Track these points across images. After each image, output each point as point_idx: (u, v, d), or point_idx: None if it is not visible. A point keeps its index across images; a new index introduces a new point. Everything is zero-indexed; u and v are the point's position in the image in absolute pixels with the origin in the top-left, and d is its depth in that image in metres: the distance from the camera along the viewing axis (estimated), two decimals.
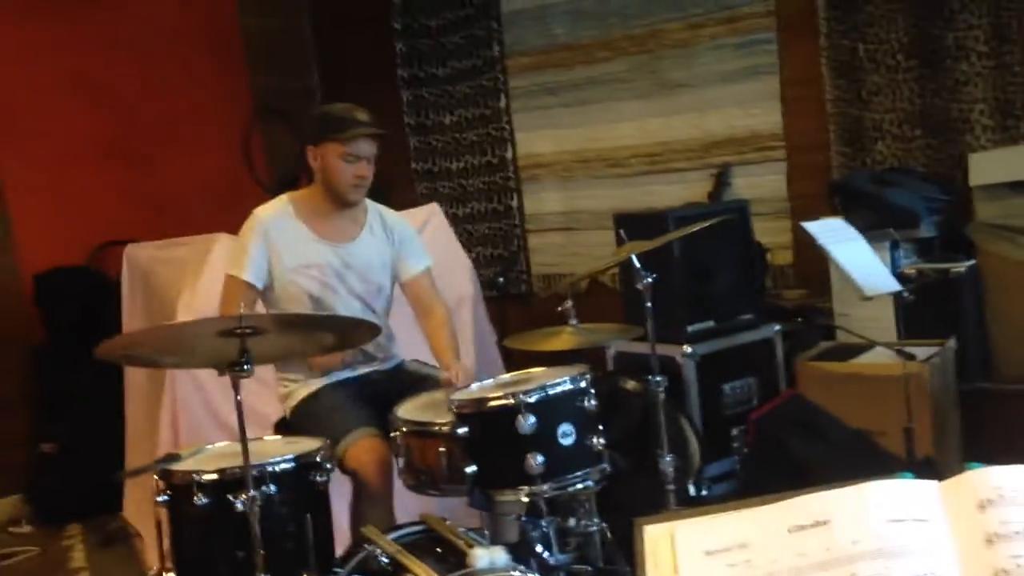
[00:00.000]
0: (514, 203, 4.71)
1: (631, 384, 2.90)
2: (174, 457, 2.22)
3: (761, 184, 3.94)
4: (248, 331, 1.94)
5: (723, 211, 3.33)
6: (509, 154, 4.67)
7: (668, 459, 2.46)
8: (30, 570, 3.48)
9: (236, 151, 4.92)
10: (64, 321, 4.14)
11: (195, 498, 2.05)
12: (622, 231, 2.76)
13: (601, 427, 2.11)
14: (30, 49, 4.23)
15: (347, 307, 2.63)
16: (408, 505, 2.53)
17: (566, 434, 2.03)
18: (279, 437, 2.44)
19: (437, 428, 2.14)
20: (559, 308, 2.36)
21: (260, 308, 2.64)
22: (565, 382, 2.10)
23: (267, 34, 5.10)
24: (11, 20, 4.17)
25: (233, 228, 3.30)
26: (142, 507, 3.47)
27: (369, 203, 2.75)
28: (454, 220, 3.93)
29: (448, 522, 2.09)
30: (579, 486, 2.05)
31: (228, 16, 4.96)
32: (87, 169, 4.41)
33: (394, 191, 3.71)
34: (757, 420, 2.87)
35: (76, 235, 4.29)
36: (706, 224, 2.64)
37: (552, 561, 2.06)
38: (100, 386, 3.83)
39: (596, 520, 2.15)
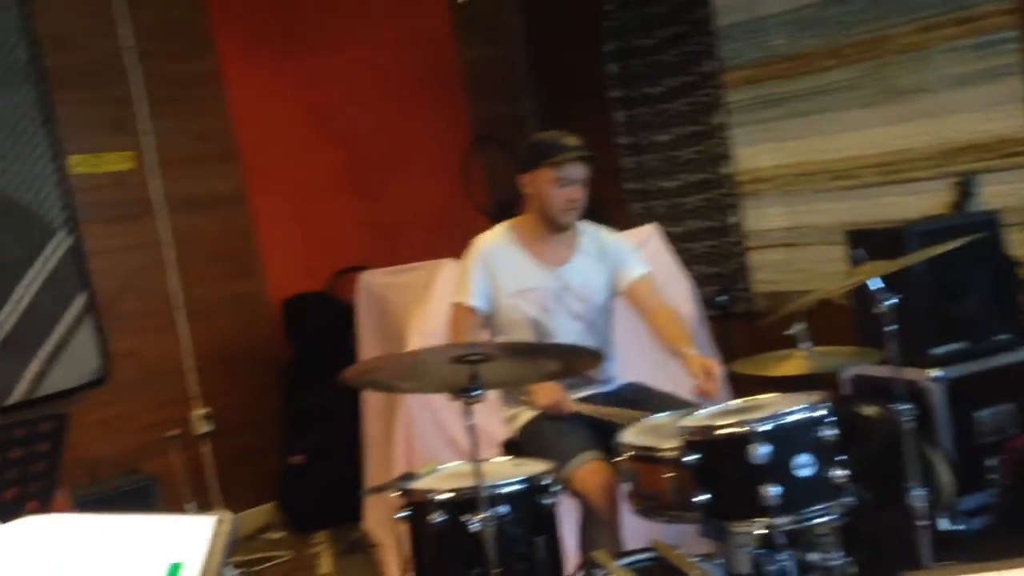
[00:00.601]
0: (733, 220, 4.59)
1: (871, 411, 2.74)
2: (411, 476, 2.34)
3: (1011, 192, 3.61)
4: (478, 358, 2.01)
5: (971, 224, 3.09)
6: (727, 170, 4.57)
7: (918, 492, 2.31)
8: (285, 573, 3.75)
9: (457, 178, 5.13)
10: (308, 343, 4.46)
11: (431, 516, 2.14)
12: (859, 250, 2.62)
13: (843, 458, 2.01)
14: (274, 89, 4.60)
15: (567, 329, 2.67)
16: (634, 528, 2.53)
17: (803, 465, 1.95)
18: (508, 458, 2.51)
19: (663, 454, 2.12)
20: (788, 331, 2.27)
21: (484, 333, 2.74)
22: (801, 410, 2.02)
23: (484, 64, 5.29)
24: (258, 64, 4.56)
25: (456, 253, 3.44)
26: (381, 519, 3.66)
27: (583, 224, 2.79)
28: (671, 239, 3.87)
29: (679, 551, 2.06)
30: (820, 520, 1.96)
31: (447, 50, 5.19)
32: (326, 200, 4.73)
33: (607, 212, 3.72)
34: (1018, 450, 2.63)
35: (317, 262, 4.61)
36: (959, 243, 2.47)
37: None
38: (342, 403, 4.09)
39: (840, 554, 2.05)
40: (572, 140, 2.65)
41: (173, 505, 3.89)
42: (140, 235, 4.19)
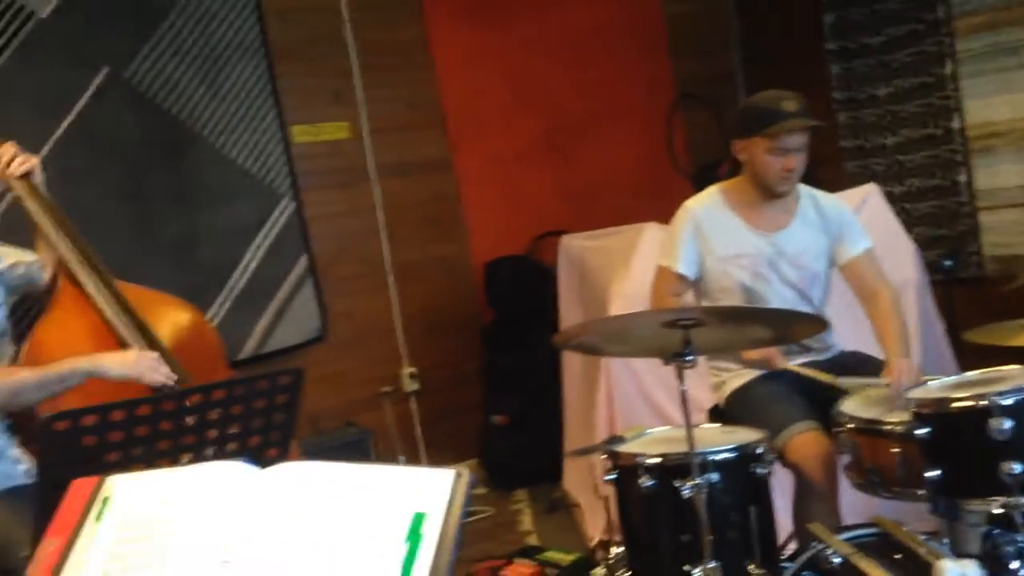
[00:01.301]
0: (962, 178, 4.26)
1: None
2: (619, 439, 2.34)
3: None
4: (690, 323, 1.98)
5: None
6: (956, 124, 4.24)
7: None
8: (487, 528, 3.87)
9: (659, 140, 5.04)
10: (509, 305, 4.56)
11: (640, 480, 2.14)
12: None
13: None
14: (479, 55, 4.68)
15: (780, 296, 2.58)
16: (849, 503, 2.43)
17: None
18: (717, 425, 2.46)
19: (890, 428, 2.01)
20: None
21: (688, 299, 2.69)
22: None
23: (690, 19, 5.15)
24: (460, 30, 4.65)
25: (656, 217, 3.39)
26: (581, 480, 3.71)
27: (802, 188, 2.66)
28: (890, 199, 3.64)
29: (905, 528, 1.95)
30: None
31: (652, 6, 5.08)
32: (527, 164, 4.78)
33: (821, 171, 3.54)
34: None
35: (518, 227, 4.68)
36: None
37: None
38: (542, 365, 4.16)
39: None
40: (791, 105, 2.49)
41: (386, 457, 4.10)
42: (354, 201, 4.40)
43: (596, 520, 3.43)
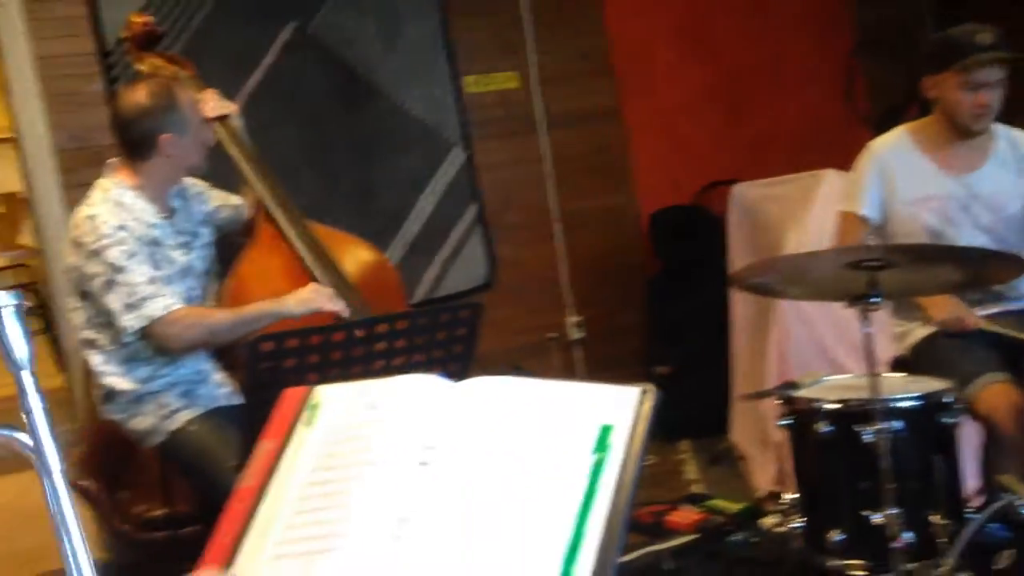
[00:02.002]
0: None
1: None
2: (793, 385, 2.31)
3: None
4: (877, 263, 1.92)
5: None
6: None
7: None
8: (651, 476, 3.87)
9: (838, 87, 4.83)
10: (676, 255, 4.52)
11: (817, 425, 2.11)
12: None
13: None
14: (647, 4, 4.62)
15: (971, 241, 2.46)
16: None
17: None
18: (901, 374, 2.38)
19: None
20: None
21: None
22: None
23: None
24: None
25: (836, 164, 3.27)
26: (748, 431, 3.67)
27: (998, 127, 2.52)
28: None
29: None
30: None
31: None
32: (697, 113, 4.69)
33: (1018, 113, 3.31)
34: None
35: (687, 176, 4.62)
36: None
37: None
38: (707, 316, 4.12)
39: None
40: (987, 37, 2.36)
41: None
42: (523, 150, 4.45)
43: (764, 471, 3.39)
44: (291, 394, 1.47)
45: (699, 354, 4.26)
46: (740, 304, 3.81)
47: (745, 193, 3.87)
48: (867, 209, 2.51)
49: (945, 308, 2.38)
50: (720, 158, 4.65)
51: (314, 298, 2.39)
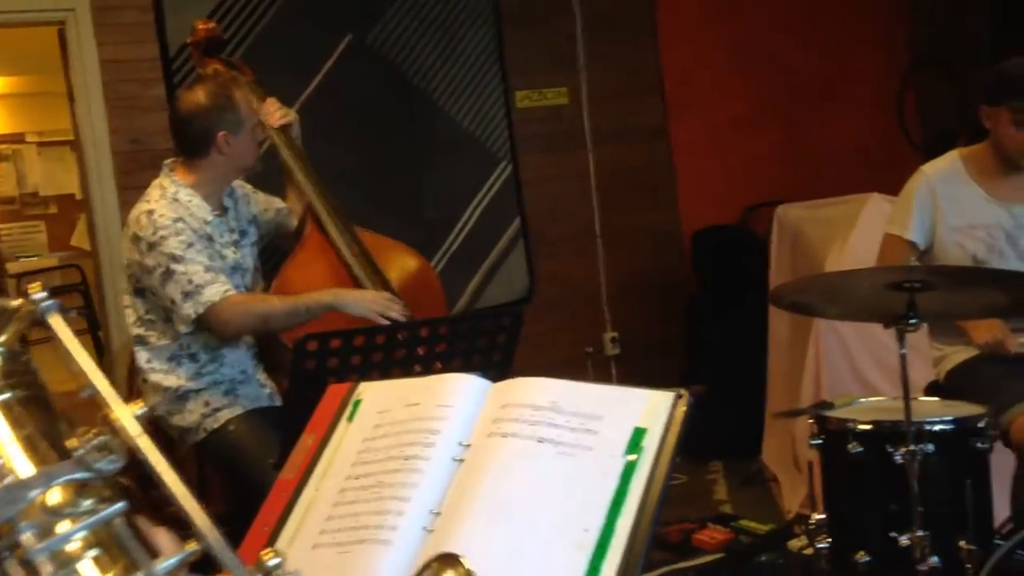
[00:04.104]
0: None
1: None
2: (827, 405, 2.32)
3: None
4: (917, 285, 1.93)
5: None
6: None
7: None
8: (681, 494, 3.89)
9: (890, 108, 4.81)
10: (716, 275, 4.53)
11: (849, 446, 2.12)
12: None
13: None
14: (704, 21, 4.65)
15: (1018, 270, 2.45)
16: None
17: None
18: (936, 398, 2.39)
19: None
20: None
21: None
22: None
23: None
24: None
25: (883, 188, 3.27)
26: (780, 453, 3.67)
27: None
28: None
29: None
30: None
31: None
32: (745, 133, 4.71)
33: None
34: None
35: (731, 196, 4.63)
36: None
37: None
38: (745, 336, 4.12)
39: None
40: None
41: None
42: (569, 165, 4.50)
43: (794, 494, 3.39)
44: (335, 390, 1.53)
45: (735, 374, 4.26)
46: (778, 325, 3.81)
47: (788, 214, 3.87)
48: (914, 234, 2.50)
49: (988, 331, 2.37)
50: (766, 178, 4.66)
51: (373, 304, 2.42)
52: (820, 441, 2.23)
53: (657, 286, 4.62)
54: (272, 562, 0.69)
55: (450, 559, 0.97)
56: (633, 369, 4.59)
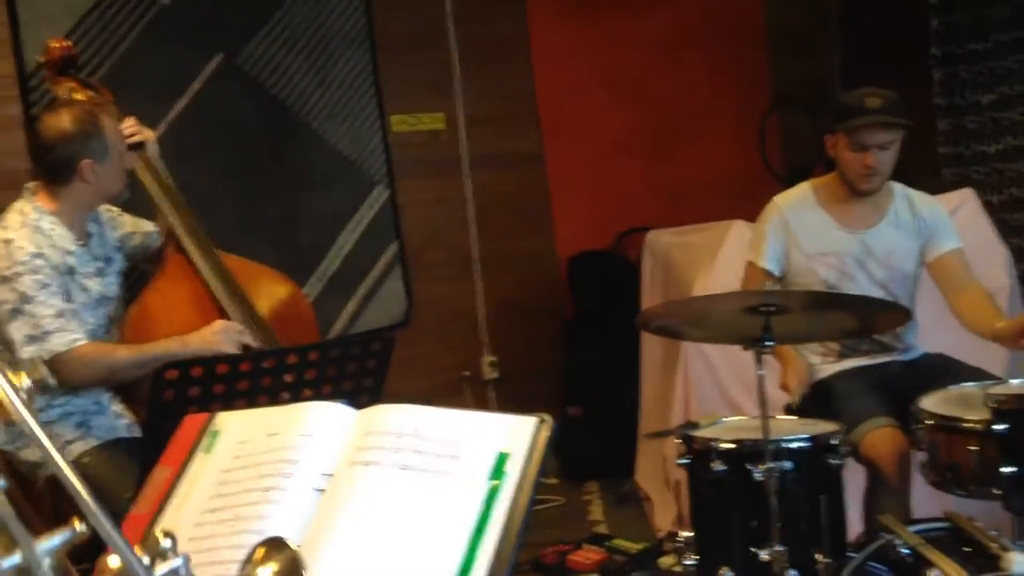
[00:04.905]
0: None
1: None
2: (693, 425, 2.39)
3: None
4: (772, 309, 2.02)
5: None
6: None
7: None
8: (556, 516, 3.93)
9: (752, 140, 5.04)
10: (591, 299, 4.62)
11: (713, 464, 2.18)
12: None
13: None
14: (577, 51, 4.75)
15: (866, 295, 2.58)
16: (922, 501, 2.43)
17: None
18: (793, 417, 2.49)
19: (969, 425, 2.02)
20: None
21: None
22: None
23: (789, 20, 5.10)
24: (560, 25, 4.72)
25: (746, 216, 3.40)
26: (653, 473, 3.75)
27: (896, 187, 2.67)
28: (988, 208, 3.58)
29: (976, 523, 1.96)
30: None
31: (752, 6, 5.07)
32: (618, 161, 4.82)
33: (919, 177, 3.50)
34: None
35: (605, 221, 4.73)
36: None
37: None
38: (619, 359, 4.20)
39: None
40: (875, 102, 2.49)
41: None
42: (446, 191, 4.51)
43: (666, 513, 3.47)
44: (192, 421, 1.48)
45: (610, 397, 4.34)
46: (650, 348, 3.91)
47: (658, 240, 3.99)
48: (768, 262, 2.62)
49: (795, 375, 2.46)
50: (639, 205, 4.78)
51: (220, 340, 2.35)
52: (687, 461, 2.29)
53: (534, 310, 4.67)
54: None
55: (276, 543, 0.94)
56: (511, 393, 4.61)
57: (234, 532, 1.27)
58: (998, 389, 2.02)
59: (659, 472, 3.62)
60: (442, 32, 4.46)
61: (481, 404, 4.54)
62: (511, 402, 4.60)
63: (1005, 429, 1.91)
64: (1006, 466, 1.90)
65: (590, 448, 4.37)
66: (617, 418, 4.17)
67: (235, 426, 1.43)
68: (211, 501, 1.34)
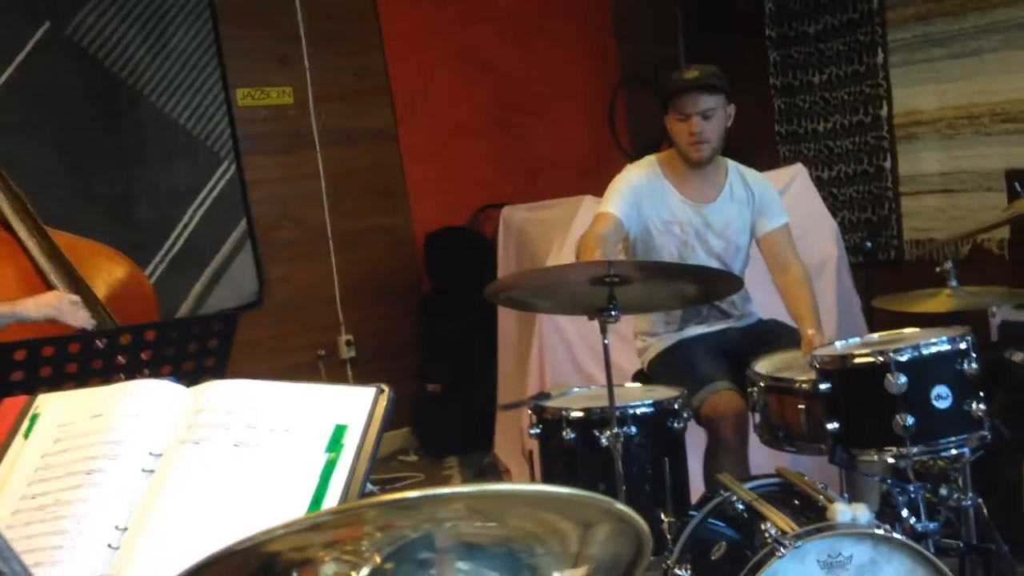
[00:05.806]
0: (887, 164, 4.43)
1: (1019, 357, 2.64)
2: (545, 396, 2.42)
3: None
4: (616, 279, 2.06)
5: None
6: (884, 112, 4.41)
7: None
8: None
9: (602, 119, 5.14)
10: (448, 276, 4.61)
11: (563, 432, 2.23)
12: (1017, 185, 2.51)
13: (982, 394, 1.96)
14: (428, 28, 4.71)
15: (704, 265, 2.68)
16: (760, 461, 2.55)
17: (940, 396, 1.92)
18: (639, 385, 2.56)
19: (797, 385, 2.13)
20: (937, 269, 2.21)
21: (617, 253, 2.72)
22: (941, 342, 1.98)
23: (635, 3, 5.24)
24: (414, 3, 4.68)
25: (597, 191, 3.46)
26: (511, 446, 3.80)
27: (730, 164, 2.77)
28: (819, 183, 3.81)
29: (805, 478, 2.07)
30: (953, 452, 1.94)
31: None
32: (472, 138, 4.83)
33: (756, 154, 3.67)
34: None
35: (460, 199, 4.73)
36: None
37: (920, 528, 1.96)
38: (477, 334, 4.23)
39: (971, 494, 2.01)
40: (692, 73, 2.59)
41: None
42: (296, 167, 4.40)
43: (524, 482, 3.52)
44: (9, 404, 1.39)
45: (468, 372, 4.36)
46: (506, 322, 3.95)
47: (512, 216, 4.03)
48: (621, 211, 2.59)
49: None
50: (494, 182, 4.80)
51: (56, 304, 2.23)
52: (539, 430, 2.32)
53: (391, 288, 4.63)
54: None
55: None
56: (369, 371, 4.56)
57: (54, 518, 1.21)
58: (822, 351, 2.14)
59: (516, 443, 3.67)
60: (287, 3, 4.33)
61: (338, 383, 4.46)
62: (369, 380, 4.46)
63: (828, 388, 2.02)
64: (830, 422, 2.01)
65: (449, 424, 4.38)
66: (476, 393, 4.20)
67: (56, 408, 1.35)
68: (30, 487, 1.27)
